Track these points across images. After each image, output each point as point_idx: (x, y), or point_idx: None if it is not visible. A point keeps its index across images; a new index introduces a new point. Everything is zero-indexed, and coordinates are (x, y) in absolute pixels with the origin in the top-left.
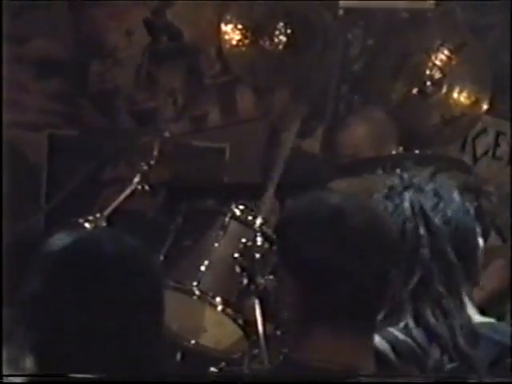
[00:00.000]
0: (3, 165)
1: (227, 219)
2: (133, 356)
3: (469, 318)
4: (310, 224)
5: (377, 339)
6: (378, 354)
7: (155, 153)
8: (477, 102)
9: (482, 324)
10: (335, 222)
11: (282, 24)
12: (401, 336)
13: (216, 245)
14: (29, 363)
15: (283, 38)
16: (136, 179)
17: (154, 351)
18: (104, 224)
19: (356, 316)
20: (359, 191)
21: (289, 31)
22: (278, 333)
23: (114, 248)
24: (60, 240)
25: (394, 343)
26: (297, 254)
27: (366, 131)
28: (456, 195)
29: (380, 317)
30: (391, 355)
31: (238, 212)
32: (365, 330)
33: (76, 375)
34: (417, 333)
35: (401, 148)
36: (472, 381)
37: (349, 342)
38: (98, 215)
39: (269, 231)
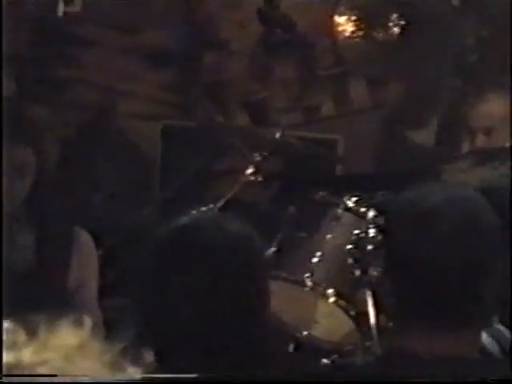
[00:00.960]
0: (115, 154)
1: (340, 210)
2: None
3: None
4: (414, 219)
5: (483, 334)
6: (483, 348)
7: (269, 144)
8: None
9: None
10: (435, 219)
11: (395, 15)
12: (505, 331)
13: (329, 236)
14: (147, 355)
15: (397, 29)
16: (249, 170)
17: (261, 341)
18: (217, 214)
19: (461, 310)
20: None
21: (402, 22)
22: (391, 325)
23: (220, 236)
24: (171, 228)
25: (497, 338)
26: (402, 248)
27: (501, 105)
28: None
29: (482, 310)
30: (495, 349)
31: (350, 203)
32: (471, 323)
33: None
34: None
35: None
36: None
37: (455, 335)
38: (211, 206)
39: (382, 223)
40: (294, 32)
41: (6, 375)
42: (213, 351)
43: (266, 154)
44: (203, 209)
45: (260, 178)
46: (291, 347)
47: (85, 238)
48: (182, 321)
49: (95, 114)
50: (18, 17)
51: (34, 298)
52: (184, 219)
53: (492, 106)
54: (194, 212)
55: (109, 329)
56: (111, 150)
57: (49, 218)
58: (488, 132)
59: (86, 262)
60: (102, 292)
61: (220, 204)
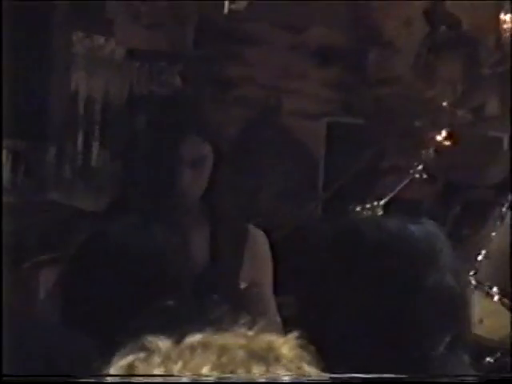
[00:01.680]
0: (280, 152)
1: (504, 209)
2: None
3: None
4: None
5: None
6: None
7: (433, 141)
8: None
9: None
10: None
11: None
12: None
13: (493, 234)
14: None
15: None
16: (416, 168)
17: (420, 341)
18: (381, 212)
19: None
20: None
21: None
22: None
23: (381, 237)
24: (334, 227)
25: None
26: None
27: None
28: None
29: None
30: None
31: None
32: None
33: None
34: None
35: None
36: (472, 380)
37: None
38: (375, 203)
39: None
40: (458, 30)
41: (6, 375)
42: (371, 352)
43: (432, 151)
44: (367, 206)
45: (425, 176)
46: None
47: (259, 236)
48: (346, 321)
49: (261, 112)
50: (183, 16)
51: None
52: (347, 218)
53: None
54: (358, 209)
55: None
56: (276, 148)
57: (222, 214)
58: None
59: (260, 260)
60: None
61: (384, 201)
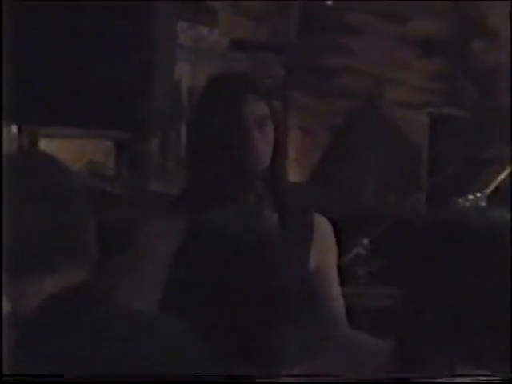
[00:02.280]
0: (383, 142)
1: None
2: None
3: None
4: None
5: None
6: None
7: None
8: None
9: None
10: None
11: None
12: None
13: None
14: None
15: None
16: None
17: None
18: (484, 203)
19: None
20: None
21: None
22: None
23: (484, 225)
24: (437, 217)
25: None
26: None
27: None
28: None
29: None
30: None
31: None
32: None
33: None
34: None
35: None
36: (472, 380)
37: None
38: (478, 194)
39: None
40: None
41: (6, 375)
42: (482, 344)
43: None
44: (470, 197)
45: None
46: None
47: (325, 224)
48: (450, 312)
49: (363, 102)
50: (287, 6)
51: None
52: (451, 208)
53: None
54: (461, 200)
55: (377, 317)
56: (379, 138)
57: (290, 201)
58: None
59: (326, 247)
60: (370, 279)
61: (487, 191)
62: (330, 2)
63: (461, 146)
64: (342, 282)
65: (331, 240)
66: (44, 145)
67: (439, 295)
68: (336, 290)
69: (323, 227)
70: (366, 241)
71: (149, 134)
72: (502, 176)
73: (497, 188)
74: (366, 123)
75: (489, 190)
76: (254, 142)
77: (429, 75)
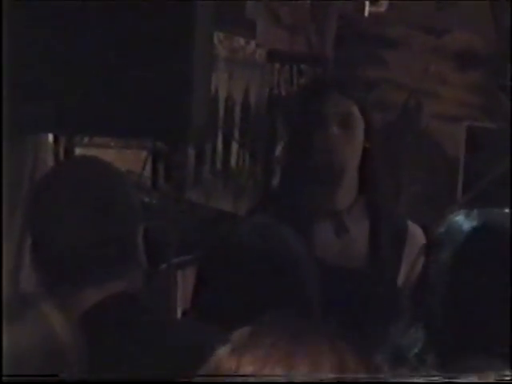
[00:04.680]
0: (420, 155)
1: None
2: None
3: None
4: None
5: None
6: None
7: None
8: None
9: None
10: None
11: None
12: None
13: None
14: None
15: None
16: None
17: None
18: None
19: None
20: None
21: None
22: None
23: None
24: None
25: None
26: None
27: None
28: None
29: None
30: None
31: None
32: None
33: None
34: None
35: None
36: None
37: None
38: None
39: None
40: None
41: (6, 375)
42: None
43: None
44: (507, 211)
45: None
46: None
47: (418, 234)
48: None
49: (400, 114)
50: (324, 17)
51: (364, 295)
52: (490, 218)
53: None
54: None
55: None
56: (415, 151)
57: (384, 208)
58: None
59: (416, 259)
60: None
61: None
62: (366, 14)
63: (497, 160)
64: None
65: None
66: (79, 154)
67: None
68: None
69: (417, 237)
70: None
71: (185, 144)
72: None
73: None
74: (403, 136)
75: None
76: (333, 137)
77: (466, 88)
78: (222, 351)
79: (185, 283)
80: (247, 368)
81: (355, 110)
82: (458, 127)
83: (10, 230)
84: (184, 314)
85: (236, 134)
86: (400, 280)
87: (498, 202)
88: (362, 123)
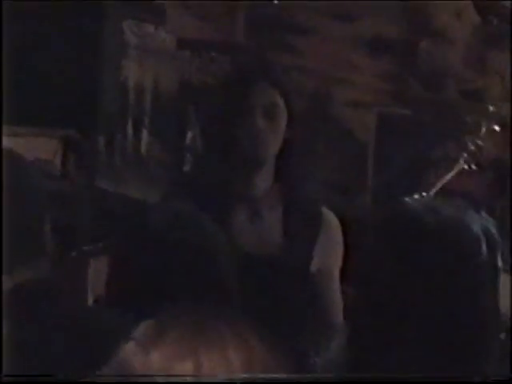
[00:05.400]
0: (330, 141)
1: None
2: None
3: None
4: None
5: None
6: None
7: (483, 131)
8: None
9: None
10: None
11: None
12: None
13: None
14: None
15: None
16: (465, 158)
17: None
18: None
19: None
20: None
21: None
22: None
23: (435, 221)
24: (385, 214)
25: None
26: None
27: None
28: None
29: None
30: None
31: None
32: None
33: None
34: None
35: None
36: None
37: None
38: (424, 194)
39: None
40: (509, 22)
41: (7, 375)
42: (425, 347)
43: (480, 142)
44: (416, 197)
45: (474, 167)
46: (503, 335)
47: (333, 220)
48: (401, 310)
49: (311, 102)
50: (234, 5)
51: (278, 282)
52: (400, 206)
53: None
54: (407, 199)
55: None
56: (327, 138)
57: (297, 194)
58: None
59: (332, 244)
60: None
61: (433, 191)
62: (276, 2)
63: (408, 146)
64: None
65: (338, 237)
66: None
67: (389, 294)
68: (338, 289)
69: (331, 223)
70: None
71: (96, 132)
72: (449, 176)
73: (443, 187)
74: (314, 123)
75: (434, 190)
76: (258, 128)
77: (377, 75)
78: (129, 347)
79: (97, 271)
80: (155, 365)
81: (280, 100)
82: (369, 114)
83: None
84: (96, 301)
85: (146, 122)
86: (314, 266)
87: (408, 188)
88: (285, 113)
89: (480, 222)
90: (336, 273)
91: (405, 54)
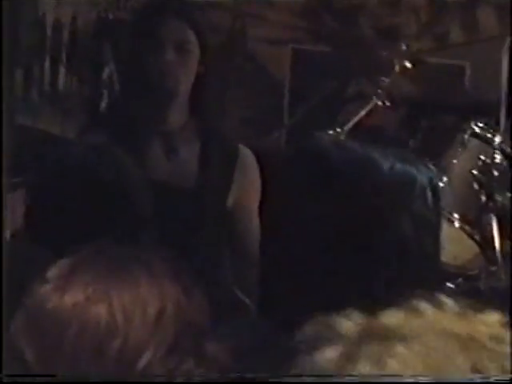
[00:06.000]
0: (245, 78)
1: (467, 136)
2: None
3: None
4: None
5: None
6: None
7: (396, 68)
8: None
9: None
10: None
11: None
12: None
13: (455, 161)
14: None
15: None
16: (377, 94)
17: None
18: (343, 138)
19: None
20: None
21: None
22: None
23: (346, 158)
24: (297, 150)
25: None
26: None
27: None
28: None
29: None
30: None
31: (477, 129)
32: None
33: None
34: None
35: None
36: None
37: None
38: (338, 130)
39: (508, 149)
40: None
41: (7, 375)
42: (331, 283)
43: (394, 78)
44: (330, 133)
45: (388, 103)
46: None
47: (249, 157)
48: (309, 245)
49: (225, 38)
50: None
51: (194, 216)
52: (310, 142)
53: None
54: (321, 135)
55: None
56: (241, 74)
57: (213, 130)
58: None
59: (248, 181)
60: None
61: (347, 127)
62: None
63: (323, 83)
64: None
65: (255, 173)
66: None
67: (300, 228)
68: (256, 225)
69: (247, 159)
70: None
71: (13, 66)
72: (363, 112)
73: (357, 124)
74: (227, 59)
75: (348, 126)
76: (167, 62)
77: (291, 11)
78: (44, 289)
79: (14, 206)
80: (69, 307)
81: (191, 35)
82: (284, 50)
83: None
84: (13, 236)
85: (63, 58)
86: (229, 202)
87: (322, 124)
88: (197, 48)
89: (416, 167)
90: (254, 207)
91: None
